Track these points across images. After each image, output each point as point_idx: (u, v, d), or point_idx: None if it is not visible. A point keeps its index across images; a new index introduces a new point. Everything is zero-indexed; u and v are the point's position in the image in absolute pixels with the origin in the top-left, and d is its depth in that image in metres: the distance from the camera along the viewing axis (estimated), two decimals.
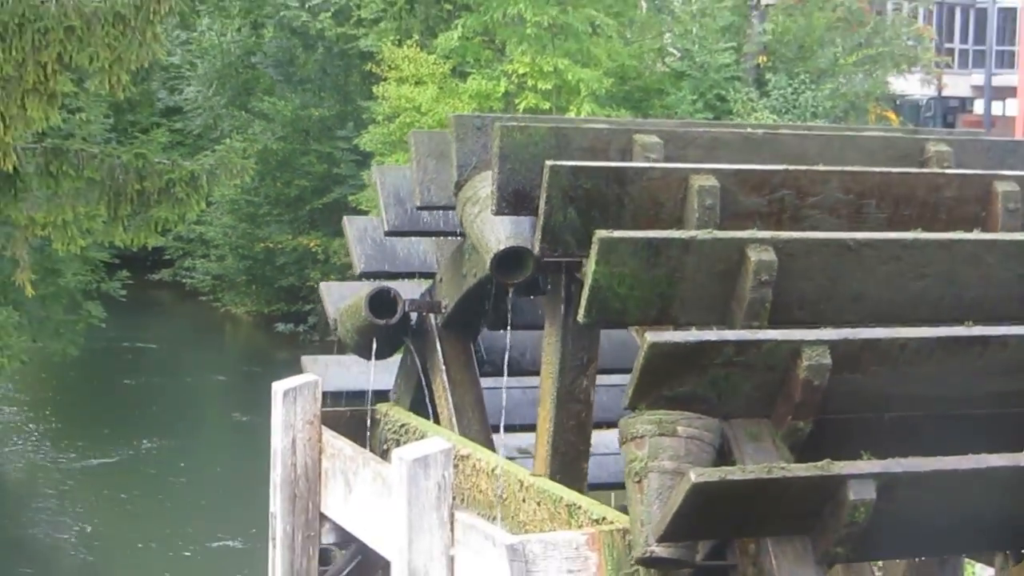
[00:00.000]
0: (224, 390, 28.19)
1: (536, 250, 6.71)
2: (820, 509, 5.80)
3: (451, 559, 6.62)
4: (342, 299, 9.83)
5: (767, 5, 37.81)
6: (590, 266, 6.10)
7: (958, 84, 52.93)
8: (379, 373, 9.58)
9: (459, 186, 7.54)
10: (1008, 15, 53.86)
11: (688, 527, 5.51)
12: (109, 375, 26.98)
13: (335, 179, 30.88)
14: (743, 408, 5.97)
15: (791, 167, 7.02)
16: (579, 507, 6.57)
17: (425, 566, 6.66)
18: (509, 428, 8.43)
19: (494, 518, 6.96)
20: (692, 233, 6.32)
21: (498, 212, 6.92)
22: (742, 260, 6.11)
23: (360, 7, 31.13)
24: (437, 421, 9.14)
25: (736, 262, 6.14)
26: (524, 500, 6.90)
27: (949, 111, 46.98)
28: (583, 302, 6.22)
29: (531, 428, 8.09)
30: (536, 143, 6.90)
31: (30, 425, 23.27)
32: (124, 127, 29.97)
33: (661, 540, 5.59)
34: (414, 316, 8.70)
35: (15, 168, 16.67)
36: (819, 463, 5.56)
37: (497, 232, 7.04)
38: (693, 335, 5.94)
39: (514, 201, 6.85)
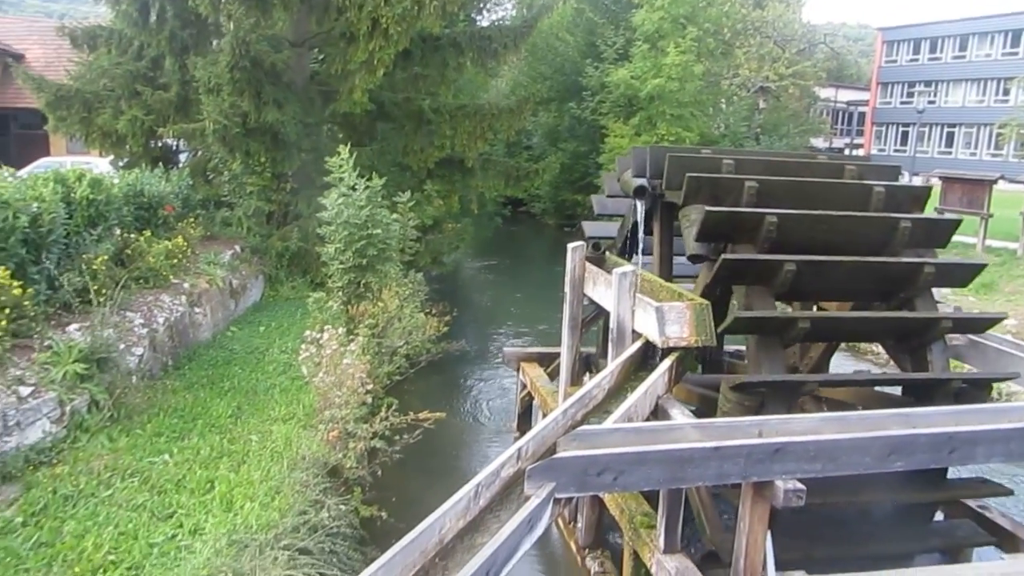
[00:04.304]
0: (545, 246, 30.18)
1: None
2: None
3: (633, 312, 7.08)
4: (593, 226, 10.24)
5: (762, 109, 41.50)
6: (720, 266, 6.53)
7: (838, 143, 58.22)
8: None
9: (683, 206, 7.19)
10: (862, 115, 59.97)
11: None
12: (501, 242, 29.35)
13: (589, 173, 32.44)
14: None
15: (812, 212, 6.86)
16: (682, 294, 6.90)
17: (623, 314, 7.14)
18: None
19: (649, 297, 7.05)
20: (760, 256, 6.67)
21: (698, 240, 6.93)
22: (781, 267, 6.56)
23: (601, 107, 33.28)
24: (630, 255, 9.13)
25: (778, 268, 6.54)
26: (662, 291, 7.20)
27: (833, 154, 49.65)
28: (714, 274, 6.66)
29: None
30: (718, 219, 6.74)
31: (470, 259, 25.67)
32: (512, 151, 32.46)
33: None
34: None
35: (471, 165, 18.69)
36: None
37: (692, 244, 7.01)
38: (761, 312, 6.54)
39: (705, 237, 6.92)
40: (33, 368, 7.67)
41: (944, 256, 7.67)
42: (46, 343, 8.12)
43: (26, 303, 8.10)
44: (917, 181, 28.71)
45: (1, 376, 7.27)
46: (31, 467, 6.97)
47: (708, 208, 6.70)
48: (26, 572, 5.60)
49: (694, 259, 7.24)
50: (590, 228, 10.18)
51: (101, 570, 5.72)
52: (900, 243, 7.05)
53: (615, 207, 9.81)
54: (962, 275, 7.48)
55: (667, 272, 8.33)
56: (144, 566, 5.83)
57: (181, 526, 6.42)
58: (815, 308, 8.61)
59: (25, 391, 7.28)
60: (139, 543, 6.10)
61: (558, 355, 9.81)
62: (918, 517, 7.07)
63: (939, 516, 7.46)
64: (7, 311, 7.70)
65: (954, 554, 7.07)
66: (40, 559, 5.77)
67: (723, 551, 5.96)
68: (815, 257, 6.58)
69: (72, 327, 8.72)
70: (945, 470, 6.96)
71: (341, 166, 12.09)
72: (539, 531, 4.34)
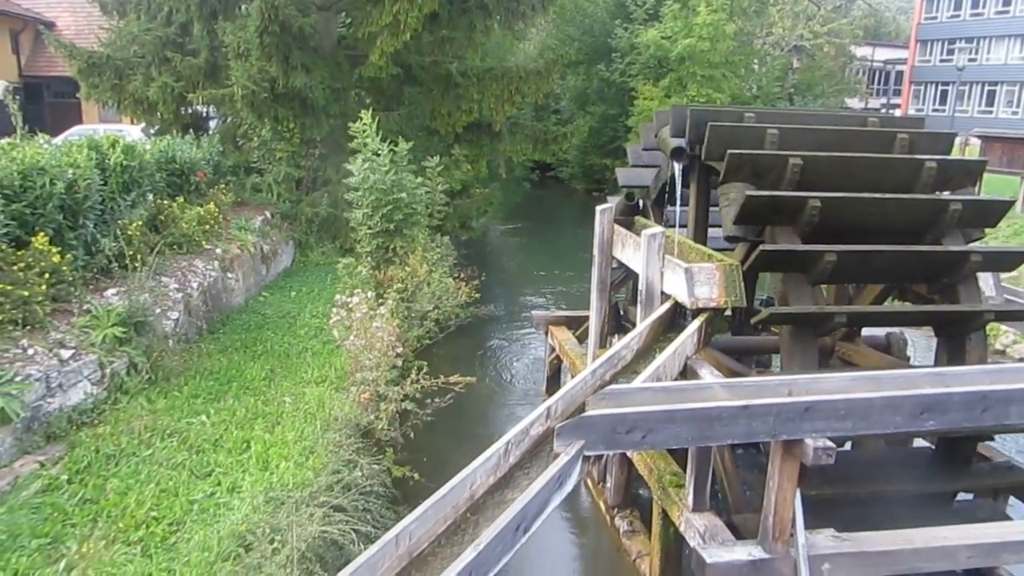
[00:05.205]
0: (573, 211, 29.88)
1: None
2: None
3: (662, 273, 7.03)
4: (627, 174, 9.92)
5: (796, 68, 40.30)
6: (758, 256, 6.26)
7: (874, 103, 56.32)
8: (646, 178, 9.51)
9: (720, 184, 6.93)
10: (900, 74, 57.55)
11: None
12: (529, 207, 28.84)
13: (618, 136, 32.05)
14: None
15: (856, 195, 6.53)
16: (712, 255, 6.92)
17: (652, 276, 7.09)
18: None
19: (678, 258, 7.07)
20: (800, 247, 6.37)
21: (736, 223, 6.66)
22: (821, 257, 6.18)
23: (630, 69, 32.67)
24: (668, 203, 8.91)
25: (817, 258, 6.20)
26: (691, 252, 7.22)
27: (886, 117, 49.72)
28: (750, 263, 6.41)
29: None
30: (758, 203, 6.45)
31: (497, 223, 25.20)
32: (539, 115, 32.01)
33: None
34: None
35: (499, 129, 18.55)
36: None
37: (730, 226, 6.73)
38: (797, 308, 6.22)
39: (743, 220, 6.63)
40: (73, 332, 7.87)
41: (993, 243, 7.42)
42: (85, 307, 8.31)
43: (64, 268, 8.28)
44: (955, 142, 28.06)
45: (43, 339, 7.47)
46: (74, 427, 7.19)
47: (748, 193, 6.47)
48: (73, 527, 5.81)
49: (730, 240, 7.06)
50: (624, 176, 10.00)
51: (144, 525, 5.91)
52: (948, 225, 6.80)
53: (650, 158, 9.63)
54: (1010, 262, 7.19)
55: (702, 234, 8.18)
56: (185, 522, 6.01)
57: (219, 484, 6.60)
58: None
59: (66, 354, 7.48)
60: (180, 500, 6.29)
61: (587, 318, 9.80)
62: (941, 498, 6.99)
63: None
64: (47, 276, 7.87)
65: (995, 496, 7.05)
66: (86, 515, 5.98)
67: (744, 530, 5.92)
68: (856, 247, 6.34)
69: (109, 291, 8.91)
70: (972, 451, 6.89)
71: (364, 131, 12.09)
72: (568, 487, 4.40)
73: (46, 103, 26.45)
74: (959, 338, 6.69)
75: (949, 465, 6.81)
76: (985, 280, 7.41)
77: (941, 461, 6.89)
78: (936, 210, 6.74)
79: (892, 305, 7.50)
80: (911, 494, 6.74)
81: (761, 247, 6.35)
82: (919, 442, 7.63)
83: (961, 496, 7.26)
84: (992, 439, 7.22)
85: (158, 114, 16.95)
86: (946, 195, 7.03)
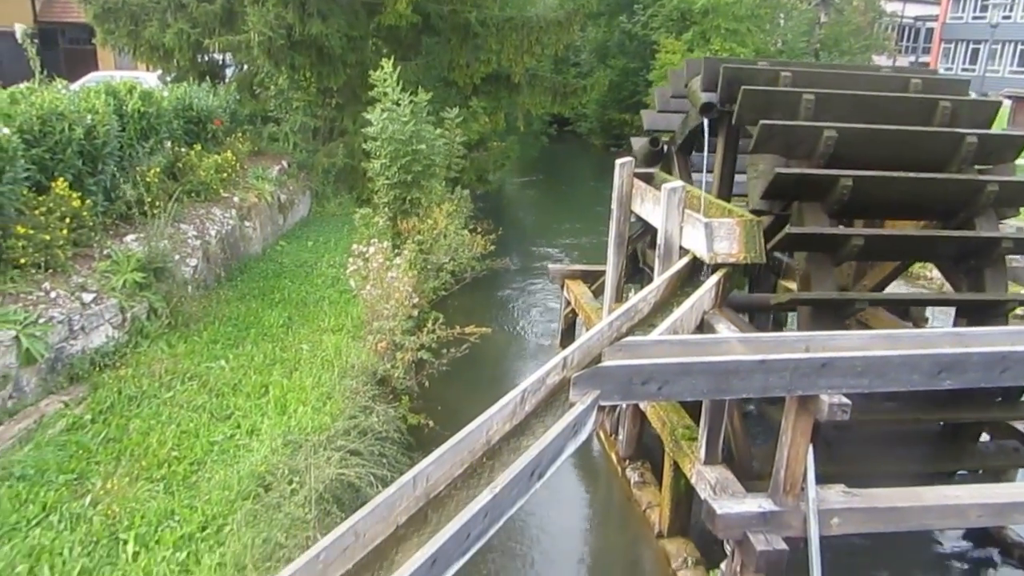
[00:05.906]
0: (590, 166, 29.22)
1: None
2: None
3: (681, 228, 7.00)
4: (653, 118, 9.73)
5: (822, 23, 39.52)
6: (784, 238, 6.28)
7: (902, 61, 52.01)
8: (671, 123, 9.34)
9: (753, 151, 6.75)
10: (930, 31, 55.83)
11: None
12: (545, 160, 28.62)
13: (638, 91, 31.68)
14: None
15: (890, 174, 6.34)
16: (732, 211, 6.96)
17: (671, 230, 7.04)
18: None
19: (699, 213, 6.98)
20: (828, 230, 6.36)
21: (764, 197, 6.62)
22: (848, 240, 6.21)
23: (652, 21, 32.12)
24: (697, 151, 8.75)
25: (844, 241, 6.23)
26: (711, 207, 7.19)
27: (929, 78, 47.39)
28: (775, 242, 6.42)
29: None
30: (788, 181, 6.39)
31: (514, 176, 25.24)
32: (559, 67, 31.19)
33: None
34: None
35: (518, 81, 18.29)
36: None
37: (756, 199, 6.71)
38: (819, 294, 6.26)
39: (771, 196, 6.58)
40: (94, 276, 7.96)
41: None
42: (105, 252, 8.39)
43: (85, 213, 8.34)
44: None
45: (65, 283, 7.57)
46: (96, 369, 7.33)
47: (779, 170, 6.32)
48: (97, 464, 5.96)
49: (756, 213, 6.90)
50: (649, 120, 9.81)
51: (166, 464, 6.06)
52: (983, 206, 6.64)
53: (677, 105, 9.40)
54: None
55: (727, 186, 8.05)
56: (206, 462, 6.15)
57: (239, 426, 6.73)
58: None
59: (88, 297, 7.59)
60: (200, 441, 6.43)
61: (603, 273, 9.81)
62: (942, 473, 6.98)
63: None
64: (67, 220, 7.94)
65: (997, 476, 7.07)
66: (109, 453, 6.13)
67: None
68: (885, 232, 6.34)
69: (129, 237, 8.99)
70: (979, 432, 6.92)
71: (385, 80, 11.97)
72: (583, 436, 4.46)
73: (61, 49, 26.31)
74: (981, 323, 6.58)
75: (954, 444, 6.82)
76: None
77: (946, 440, 6.89)
78: (972, 191, 6.58)
79: (915, 293, 7.46)
80: (914, 473, 6.71)
81: (788, 230, 6.28)
82: None
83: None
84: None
85: (174, 61, 16.84)
86: (983, 175, 6.85)
